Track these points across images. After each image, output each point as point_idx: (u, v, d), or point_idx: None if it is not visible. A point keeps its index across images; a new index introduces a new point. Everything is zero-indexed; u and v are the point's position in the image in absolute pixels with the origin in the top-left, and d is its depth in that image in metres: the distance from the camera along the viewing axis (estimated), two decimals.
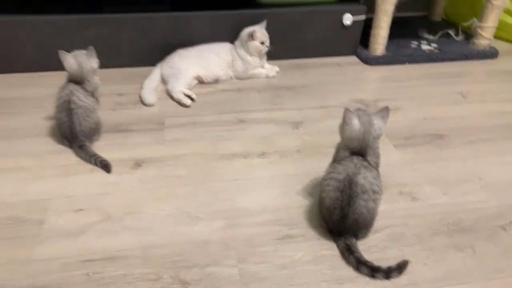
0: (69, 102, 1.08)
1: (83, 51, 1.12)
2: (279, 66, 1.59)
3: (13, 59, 1.47)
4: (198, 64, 1.46)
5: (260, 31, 1.47)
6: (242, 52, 1.50)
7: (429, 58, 1.69)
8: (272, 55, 1.56)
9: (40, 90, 1.39)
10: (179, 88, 1.39)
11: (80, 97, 1.09)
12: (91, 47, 1.13)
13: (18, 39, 1.44)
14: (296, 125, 1.27)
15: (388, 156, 1.13)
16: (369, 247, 0.87)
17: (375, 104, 1.37)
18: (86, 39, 1.45)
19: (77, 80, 1.11)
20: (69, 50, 1.11)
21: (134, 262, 0.83)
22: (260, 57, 1.52)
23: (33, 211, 0.94)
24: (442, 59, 1.69)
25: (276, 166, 1.10)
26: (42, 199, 0.97)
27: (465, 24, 1.84)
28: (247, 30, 1.49)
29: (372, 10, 1.61)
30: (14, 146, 1.14)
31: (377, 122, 0.84)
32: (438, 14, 2.03)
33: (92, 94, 1.14)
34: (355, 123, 0.84)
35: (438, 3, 2.01)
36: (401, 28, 1.84)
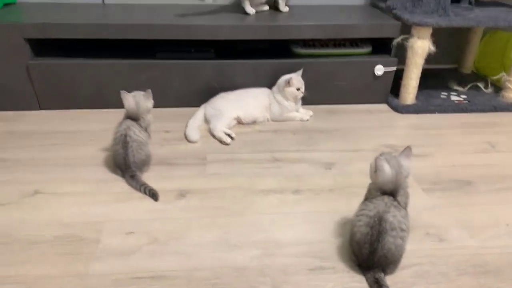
0: (125, 136, 1.21)
1: (142, 92, 1.27)
2: (313, 111, 1.69)
3: (74, 96, 1.64)
4: (238, 106, 1.59)
5: (296, 78, 1.59)
6: (279, 96, 1.62)
7: (458, 108, 1.76)
8: (307, 101, 1.67)
9: (96, 125, 1.55)
10: (220, 128, 1.51)
11: (135, 132, 1.23)
12: (149, 90, 1.28)
13: (79, 79, 1.61)
14: (329, 165, 1.36)
15: (417, 199, 1.19)
16: (396, 283, 0.92)
17: None
18: (140, 81, 1.61)
19: (133, 117, 1.26)
20: (124, 90, 1.25)
21: (177, 282, 0.91)
22: (295, 102, 1.64)
23: (90, 231, 1.04)
24: (471, 110, 1.76)
25: (309, 203, 1.18)
26: (98, 221, 1.08)
27: (494, 77, 1.91)
28: (284, 77, 1.61)
29: (403, 61, 1.71)
30: (74, 174, 1.27)
31: (404, 162, 0.92)
32: (468, 67, 2.12)
33: (146, 129, 1.27)
34: (386, 168, 0.91)
35: (468, 56, 2.10)
36: (431, 79, 1.94)
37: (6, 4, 1.72)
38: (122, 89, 1.24)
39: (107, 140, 1.35)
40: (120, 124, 1.25)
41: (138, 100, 1.25)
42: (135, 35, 1.56)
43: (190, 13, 1.72)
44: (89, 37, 1.55)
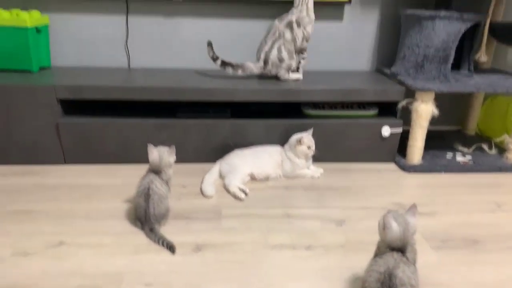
0: (148, 189, 1.29)
1: (166, 148, 1.37)
2: (323, 169, 1.77)
3: (98, 152, 1.74)
4: (252, 163, 1.67)
5: (307, 137, 1.68)
6: (290, 154, 1.71)
7: (464, 169, 1.82)
8: (317, 158, 1.76)
9: (118, 180, 1.63)
10: (235, 183, 1.58)
11: (157, 185, 1.31)
12: (173, 146, 1.38)
13: (104, 136, 1.72)
14: (340, 222, 1.41)
15: (425, 256, 1.22)
16: None
17: None
18: (160, 139, 1.72)
19: (156, 170, 1.34)
20: (146, 147, 1.35)
21: None
22: (306, 159, 1.72)
23: (111, 282, 1.09)
24: (477, 171, 1.82)
25: (321, 259, 1.22)
26: (118, 272, 1.13)
27: (498, 139, 1.99)
28: (295, 136, 1.71)
29: (409, 122, 1.80)
30: (97, 226, 1.34)
31: (410, 220, 0.98)
32: (471, 128, 2.21)
33: (166, 183, 1.35)
34: (394, 226, 0.97)
35: (471, 118, 2.20)
36: (436, 140, 2.02)
37: (42, 68, 1.88)
38: (145, 147, 1.34)
39: (128, 194, 1.43)
40: (144, 177, 1.33)
41: (161, 154, 1.35)
42: (157, 96, 1.70)
43: (209, 76, 1.87)
44: (116, 98, 1.68)
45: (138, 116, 1.75)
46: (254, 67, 1.83)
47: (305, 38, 1.82)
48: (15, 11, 1.76)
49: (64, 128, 1.69)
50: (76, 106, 1.77)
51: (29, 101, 1.64)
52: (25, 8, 1.87)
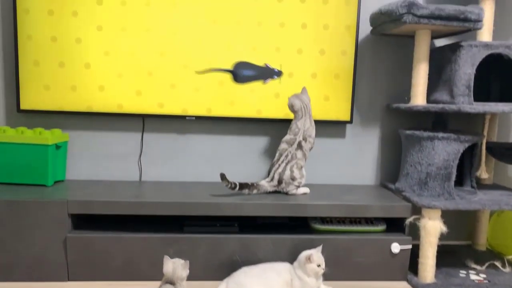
0: None
1: (181, 261, 1.41)
2: (333, 287, 1.71)
3: (103, 268, 1.70)
4: (260, 282, 1.61)
5: (316, 255, 1.65)
6: (300, 272, 1.66)
7: None
8: (327, 276, 1.70)
9: None
10: None
11: None
12: (187, 261, 1.42)
13: (110, 252, 1.70)
14: None
15: None
16: None
17: None
18: (168, 255, 1.69)
19: (169, 281, 1.39)
20: (153, 263, 1.34)
21: None
22: (316, 278, 1.66)
23: None
24: None
25: None
26: None
27: (510, 257, 1.95)
28: (305, 253, 1.68)
29: (418, 237, 1.79)
30: None
31: None
32: (482, 244, 2.18)
33: None
34: None
35: (480, 234, 2.17)
36: (447, 256, 1.98)
37: (56, 181, 1.94)
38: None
39: None
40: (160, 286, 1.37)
41: (175, 267, 1.39)
42: (167, 211, 1.72)
43: (217, 189, 1.91)
44: (126, 213, 1.71)
45: (145, 231, 1.75)
46: (268, 186, 1.90)
47: (311, 144, 1.94)
48: (38, 130, 1.89)
49: (71, 242, 1.68)
50: (85, 220, 1.78)
51: (40, 216, 1.67)
52: (48, 127, 2.00)
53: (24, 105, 1.94)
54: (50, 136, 1.84)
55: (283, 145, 1.92)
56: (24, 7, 1.90)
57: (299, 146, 1.90)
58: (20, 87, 1.93)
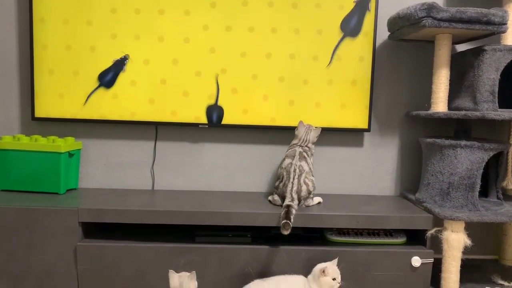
0: None
1: (187, 274, 1.36)
2: None
3: (113, 279, 1.67)
4: None
5: (331, 268, 1.58)
6: (314, 286, 1.59)
7: None
8: None
9: None
10: None
11: None
12: (193, 272, 1.37)
13: (121, 261, 1.67)
14: None
15: None
16: None
17: None
18: (178, 265, 1.65)
19: None
20: (164, 274, 1.30)
21: None
22: None
23: None
24: None
25: None
26: None
27: None
28: (319, 266, 1.61)
29: (440, 250, 1.70)
30: None
31: None
32: (509, 259, 2.06)
33: None
34: None
35: (507, 248, 2.06)
36: (472, 271, 1.88)
37: (68, 189, 1.94)
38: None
39: None
40: None
41: (182, 280, 1.35)
42: (179, 221, 1.68)
43: (229, 199, 1.87)
44: (137, 222, 1.68)
45: (156, 240, 1.72)
46: (296, 206, 1.76)
47: (313, 150, 1.92)
48: (51, 138, 1.89)
49: (82, 251, 1.66)
50: (95, 229, 1.76)
51: (51, 224, 1.65)
52: (62, 135, 2.01)
53: (38, 113, 1.95)
54: (63, 144, 1.84)
55: (286, 160, 1.85)
56: (40, 16, 1.92)
57: (302, 157, 1.84)
58: (35, 96, 1.95)
